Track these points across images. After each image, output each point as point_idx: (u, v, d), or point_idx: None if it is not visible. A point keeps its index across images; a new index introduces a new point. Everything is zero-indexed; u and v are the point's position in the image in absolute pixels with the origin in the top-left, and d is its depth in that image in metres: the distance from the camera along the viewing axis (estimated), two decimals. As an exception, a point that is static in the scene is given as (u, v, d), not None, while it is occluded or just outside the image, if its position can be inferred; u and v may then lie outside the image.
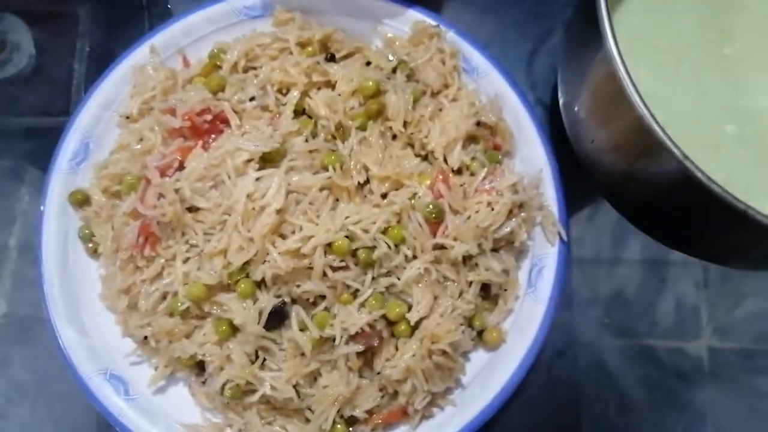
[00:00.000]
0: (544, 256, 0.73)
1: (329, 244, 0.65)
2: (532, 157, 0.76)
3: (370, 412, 0.68)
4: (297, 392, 0.66)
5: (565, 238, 0.73)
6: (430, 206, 0.67)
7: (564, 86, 0.70)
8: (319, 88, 0.75)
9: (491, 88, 0.78)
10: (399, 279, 0.67)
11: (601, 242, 0.85)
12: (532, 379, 0.72)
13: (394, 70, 0.76)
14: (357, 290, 0.66)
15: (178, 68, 0.80)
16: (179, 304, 0.67)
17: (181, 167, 0.69)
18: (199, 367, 0.70)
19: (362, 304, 0.66)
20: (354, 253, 0.66)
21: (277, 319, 0.66)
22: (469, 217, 0.68)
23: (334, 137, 0.72)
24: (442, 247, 0.68)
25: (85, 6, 0.92)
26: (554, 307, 0.71)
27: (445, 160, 0.72)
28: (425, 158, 0.73)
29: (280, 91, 0.75)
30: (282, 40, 0.77)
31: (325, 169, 0.68)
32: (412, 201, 0.68)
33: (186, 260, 0.68)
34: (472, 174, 0.72)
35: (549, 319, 0.71)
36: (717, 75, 0.63)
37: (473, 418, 0.68)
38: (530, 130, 0.76)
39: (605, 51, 0.55)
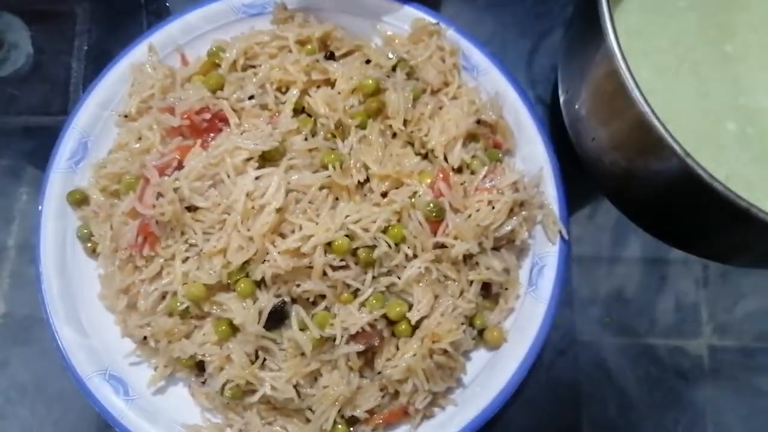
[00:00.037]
0: (545, 254, 0.73)
1: (329, 243, 0.64)
2: (532, 156, 0.76)
3: (370, 412, 0.68)
4: (297, 392, 0.66)
5: (566, 236, 0.73)
6: (431, 205, 0.67)
7: (564, 84, 0.70)
8: (318, 87, 0.74)
9: (491, 86, 0.78)
10: (399, 278, 0.67)
11: (601, 241, 0.85)
12: (533, 378, 0.72)
13: (393, 68, 0.76)
14: (357, 289, 0.66)
15: (176, 67, 0.80)
16: (178, 303, 0.67)
17: (180, 166, 0.69)
18: (199, 367, 0.69)
19: (363, 304, 0.66)
20: (354, 252, 0.66)
21: (277, 318, 0.66)
22: (469, 216, 0.68)
23: (333, 136, 0.72)
24: (442, 245, 0.67)
25: (83, 5, 0.91)
26: (555, 306, 0.71)
27: (446, 159, 0.72)
28: (425, 157, 0.73)
29: (279, 89, 0.74)
30: (281, 38, 0.77)
31: (325, 167, 0.68)
32: (413, 200, 0.68)
33: (185, 260, 0.67)
34: (473, 172, 0.72)
35: (550, 318, 0.71)
36: (717, 74, 0.63)
37: (474, 417, 0.68)
38: (531, 128, 0.76)
39: (606, 48, 0.55)
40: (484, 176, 0.70)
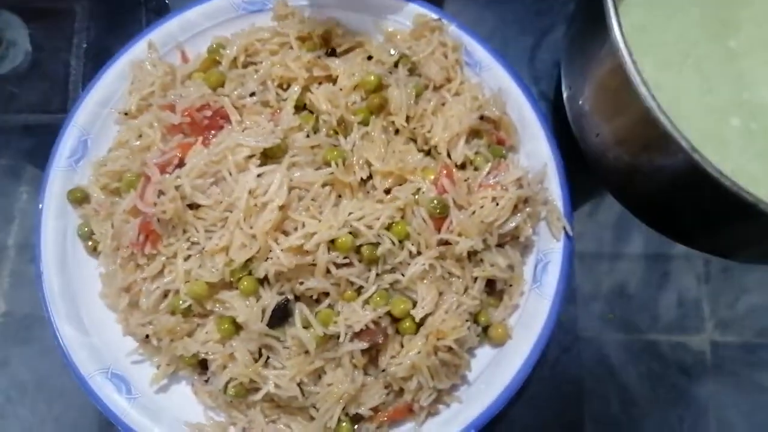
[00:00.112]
0: (549, 251, 0.73)
1: (332, 241, 0.64)
2: (536, 152, 0.76)
3: (375, 410, 0.68)
4: (301, 390, 0.66)
5: (570, 232, 0.73)
6: (435, 201, 0.66)
7: (568, 80, 0.70)
8: (320, 83, 0.74)
9: (494, 82, 0.77)
10: (403, 275, 0.67)
11: (603, 237, 0.85)
12: (537, 374, 0.72)
13: (395, 65, 0.75)
14: (361, 287, 0.66)
15: (176, 64, 0.79)
16: (181, 302, 0.66)
17: (181, 164, 0.68)
18: (202, 365, 0.69)
19: (366, 301, 0.66)
20: (358, 250, 0.65)
21: (280, 316, 0.65)
22: (473, 213, 0.68)
23: (335, 132, 0.72)
24: (446, 242, 0.67)
25: (82, 2, 0.91)
26: (560, 303, 0.71)
27: (449, 155, 0.72)
28: (428, 153, 0.73)
29: (280, 86, 0.74)
30: (282, 34, 0.76)
31: (327, 164, 0.68)
32: (416, 196, 0.68)
33: (187, 258, 0.67)
34: (476, 169, 0.71)
35: (554, 314, 0.71)
36: (721, 69, 0.62)
37: (479, 414, 0.68)
38: (534, 124, 0.76)
39: (611, 44, 0.55)
40: (488, 173, 0.70)
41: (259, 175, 0.65)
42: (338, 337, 0.65)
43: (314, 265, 0.64)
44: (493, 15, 0.92)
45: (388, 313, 0.66)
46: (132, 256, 0.68)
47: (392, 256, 0.66)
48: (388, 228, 0.66)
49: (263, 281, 0.65)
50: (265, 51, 0.76)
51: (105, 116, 0.77)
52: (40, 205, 0.74)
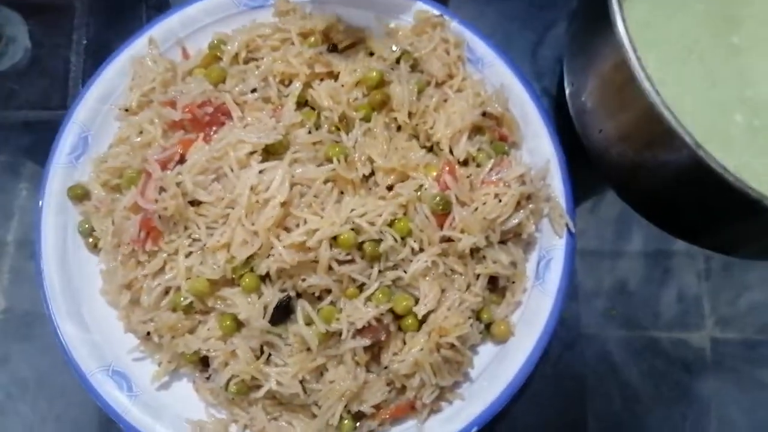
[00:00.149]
0: (552, 248, 0.73)
1: (335, 238, 0.64)
2: (538, 148, 0.75)
3: (377, 407, 0.67)
4: (303, 387, 0.66)
5: (573, 229, 0.72)
6: (437, 198, 0.66)
7: (570, 77, 0.70)
8: (321, 79, 0.74)
9: (496, 78, 0.77)
10: (406, 272, 0.67)
11: (604, 234, 0.85)
12: (540, 372, 0.72)
13: (397, 61, 0.75)
14: (363, 284, 0.66)
15: (177, 60, 0.79)
16: (182, 299, 0.66)
17: (183, 160, 0.68)
18: (203, 362, 0.69)
19: (369, 298, 0.66)
20: (360, 247, 0.65)
21: (282, 313, 0.65)
22: (476, 209, 0.68)
23: (337, 129, 0.71)
24: (449, 239, 0.67)
25: (82, -2, 0.91)
26: (562, 300, 0.71)
27: (451, 152, 0.71)
28: (430, 150, 0.73)
29: (282, 82, 0.74)
30: (283, 30, 0.76)
31: (330, 161, 0.68)
32: (419, 193, 0.68)
33: (188, 255, 0.67)
34: (479, 165, 0.71)
35: (557, 311, 0.71)
36: (725, 65, 0.62)
37: (481, 411, 0.68)
38: (537, 120, 0.76)
39: (615, 39, 0.55)
40: (491, 169, 0.70)
41: (260, 172, 0.65)
42: (340, 334, 0.65)
43: (316, 261, 0.64)
44: (495, 11, 0.92)
45: (391, 310, 0.66)
46: (133, 252, 0.68)
47: (394, 253, 0.66)
48: (391, 225, 0.66)
49: (265, 278, 0.65)
50: (266, 47, 0.76)
51: (105, 113, 0.77)
52: (40, 202, 0.73)
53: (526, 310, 0.72)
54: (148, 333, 0.69)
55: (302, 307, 0.65)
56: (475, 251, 0.69)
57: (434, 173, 0.68)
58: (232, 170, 0.66)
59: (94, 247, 0.73)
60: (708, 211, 0.59)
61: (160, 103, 0.71)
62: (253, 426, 0.68)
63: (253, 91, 0.72)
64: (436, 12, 0.78)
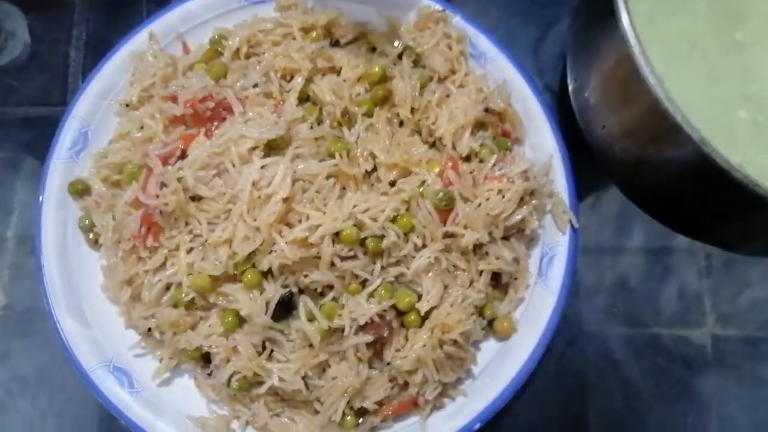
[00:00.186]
0: (555, 244, 0.72)
1: (337, 233, 0.64)
2: (541, 144, 0.75)
3: (380, 403, 0.67)
4: (305, 384, 0.65)
5: (576, 225, 0.72)
6: (440, 194, 0.66)
7: (573, 72, 0.70)
8: (323, 74, 0.73)
9: (499, 73, 0.77)
10: (408, 268, 0.66)
11: (605, 230, 0.85)
12: (542, 368, 0.72)
13: (399, 56, 0.75)
14: (366, 280, 0.66)
15: (178, 55, 0.79)
16: (183, 295, 0.66)
17: (184, 155, 0.68)
18: (205, 359, 0.69)
19: (371, 294, 0.65)
20: (362, 242, 0.65)
21: (284, 309, 0.65)
22: (479, 205, 0.67)
23: (339, 124, 0.71)
24: (452, 235, 0.67)
25: (81, -7, 0.90)
26: (565, 297, 0.71)
27: (454, 147, 0.71)
28: (433, 145, 0.72)
29: (283, 77, 0.73)
30: (285, 25, 0.76)
31: (332, 156, 0.67)
32: (421, 189, 0.67)
33: (190, 250, 0.66)
34: (481, 161, 0.71)
35: (560, 308, 0.71)
36: (728, 61, 0.62)
37: (484, 408, 0.68)
38: (539, 116, 0.75)
39: (619, 35, 0.54)
40: (494, 165, 0.70)
41: (262, 167, 0.65)
42: (343, 331, 0.64)
43: (318, 257, 0.64)
44: (497, 6, 0.92)
45: (393, 307, 0.66)
46: (134, 248, 0.68)
47: (397, 249, 0.66)
48: (393, 220, 0.66)
49: (267, 274, 0.65)
50: (267, 42, 0.75)
51: (105, 108, 0.77)
52: (41, 198, 0.73)
53: (528, 307, 0.72)
54: (149, 329, 0.69)
55: (304, 303, 0.65)
56: (478, 247, 0.68)
57: (437, 169, 0.68)
58: (233, 165, 0.65)
59: (95, 243, 0.73)
60: (712, 207, 0.59)
61: (160, 98, 0.71)
62: (255, 422, 0.68)
63: (255, 86, 0.72)
64: (439, 7, 0.78)
